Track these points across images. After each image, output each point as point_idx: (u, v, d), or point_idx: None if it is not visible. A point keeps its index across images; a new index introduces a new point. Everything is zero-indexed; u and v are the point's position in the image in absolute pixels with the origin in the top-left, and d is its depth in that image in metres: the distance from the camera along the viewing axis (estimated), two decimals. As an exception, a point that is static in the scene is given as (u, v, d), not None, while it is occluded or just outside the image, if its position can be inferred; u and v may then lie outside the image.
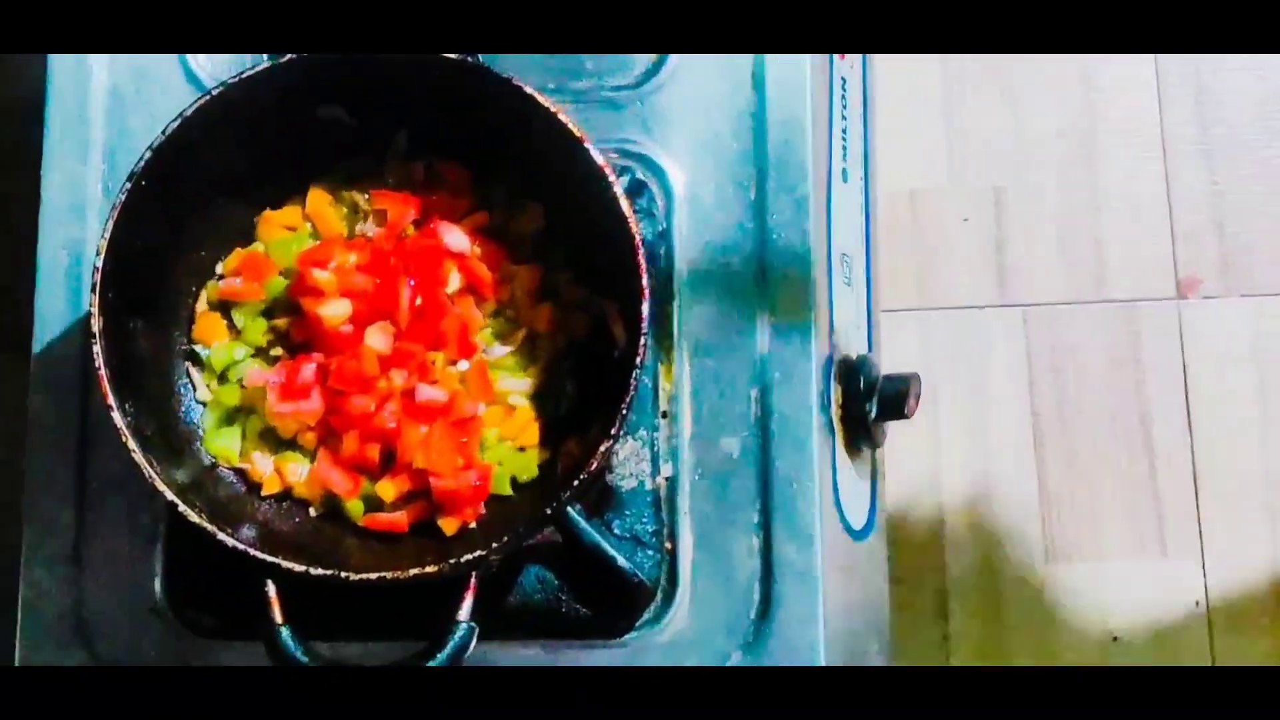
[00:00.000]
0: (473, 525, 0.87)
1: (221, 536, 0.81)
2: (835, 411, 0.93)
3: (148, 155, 0.84)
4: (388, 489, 0.87)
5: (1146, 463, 1.48)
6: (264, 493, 0.89)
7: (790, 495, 0.88)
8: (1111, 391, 1.49)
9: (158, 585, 0.91)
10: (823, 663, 0.87)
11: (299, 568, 0.81)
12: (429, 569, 0.80)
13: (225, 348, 0.90)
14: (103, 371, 0.82)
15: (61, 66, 0.97)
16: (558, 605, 0.88)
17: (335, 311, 0.88)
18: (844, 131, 1.01)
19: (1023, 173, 1.51)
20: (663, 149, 0.93)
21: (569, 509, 0.85)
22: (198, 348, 0.91)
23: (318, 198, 0.92)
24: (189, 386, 0.91)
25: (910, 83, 1.51)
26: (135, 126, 0.95)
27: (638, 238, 0.83)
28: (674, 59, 0.93)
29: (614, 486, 0.89)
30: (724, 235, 0.92)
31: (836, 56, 1.02)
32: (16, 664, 0.91)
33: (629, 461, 0.89)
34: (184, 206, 0.88)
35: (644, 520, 0.89)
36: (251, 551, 0.81)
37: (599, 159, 0.84)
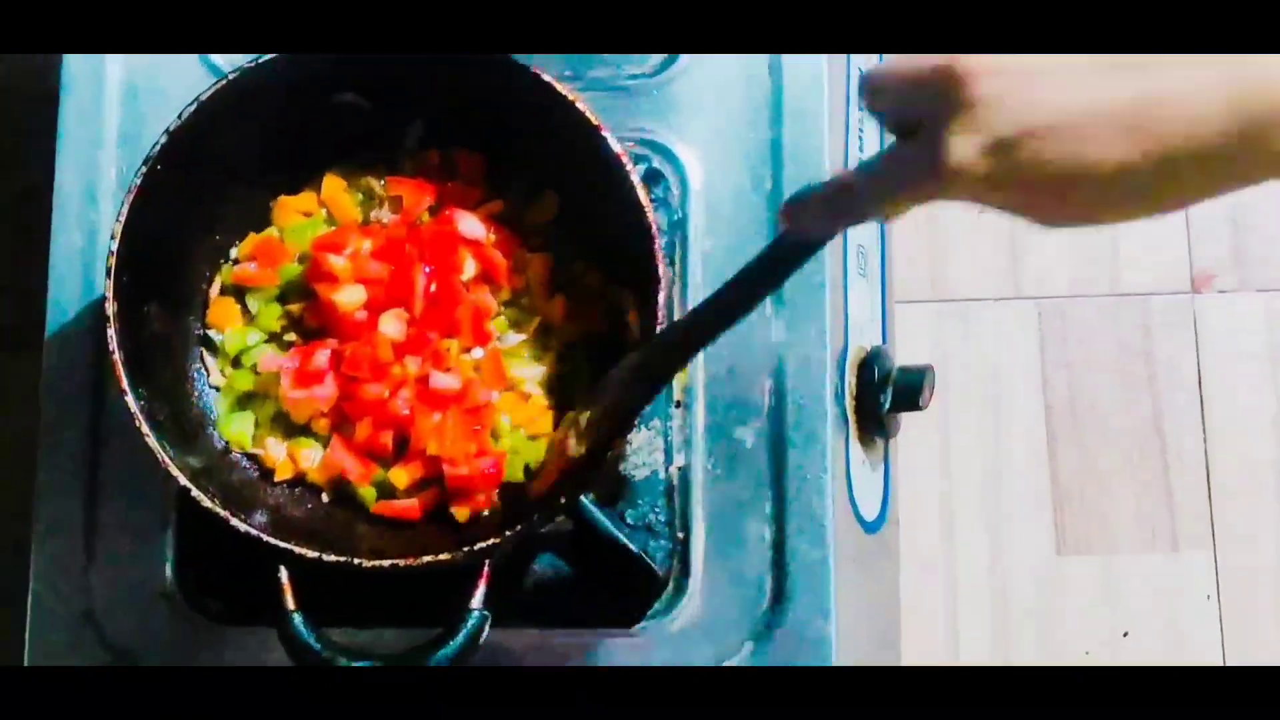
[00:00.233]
0: (485, 513, 0.87)
1: (234, 522, 0.81)
2: (849, 403, 0.93)
3: (163, 139, 0.84)
4: (400, 476, 0.87)
5: (1159, 457, 1.48)
6: (276, 478, 0.89)
7: (803, 486, 0.88)
8: (1124, 385, 1.49)
9: (169, 571, 0.91)
10: (834, 653, 0.87)
11: (312, 554, 0.80)
12: (441, 556, 0.80)
13: (239, 333, 0.90)
14: (117, 356, 0.82)
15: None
16: (570, 594, 0.88)
17: (350, 298, 0.87)
18: (860, 122, 1.01)
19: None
20: (679, 138, 0.92)
21: (582, 497, 0.85)
22: (211, 333, 0.91)
23: (333, 183, 0.92)
24: (202, 372, 0.91)
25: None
26: (150, 113, 0.95)
27: (654, 226, 0.83)
28: (691, 48, 0.93)
29: (627, 476, 0.89)
30: (740, 224, 0.91)
31: (853, 52, 1.02)
32: (27, 646, 0.91)
33: (642, 451, 0.89)
34: (199, 191, 0.88)
35: (656, 509, 0.88)
36: (264, 537, 0.81)
37: (617, 148, 0.84)
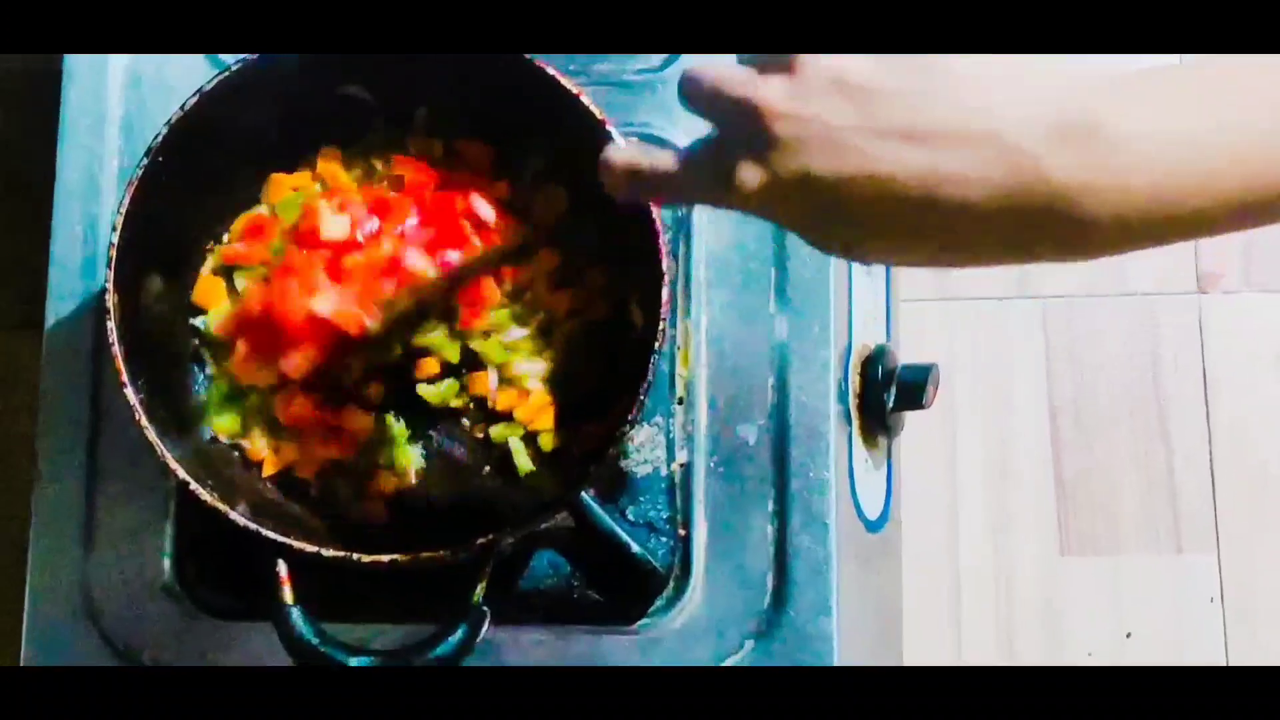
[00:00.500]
0: (486, 509, 0.86)
1: (233, 515, 0.80)
2: (853, 401, 0.93)
3: (165, 130, 0.83)
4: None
5: (1164, 457, 1.47)
6: (264, 473, 0.88)
7: (806, 484, 0.88)
8: (1130, 385, 1.48)
9: (167, 564, 0.91)
10: (835, 652, 0.86)
11: (310, 548, 0.80)
12: (441, 552, 0.80)
13: (222, 313, 0.89)
14: (116, 348, 0.81)
15: (79, 40, 0.96)
16: (570, 590, 0.88)
17: (336, 226, 0.86)
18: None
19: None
20: (684, 134, 0.92)
21: (583, 494, 0.84)
22: (197, 321, 0.90)
23: (329, 155, 0.90)
24: (200, 365, 0.90)
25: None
26: (153, 103, 0.95)
27: (658, 223, 0.82)
28: (696, 43, 0.93)
29: (629, 472, 0.89)
30: (743, 221, 0.91)
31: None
32: (24, 640, 0.91)
33: (644, 447, 0.89)
34: (201, 182, 0.87)
35: (658, 507, 0.88)
36: (263, 531, 0.80)
37: (621, 142, 0.83)
